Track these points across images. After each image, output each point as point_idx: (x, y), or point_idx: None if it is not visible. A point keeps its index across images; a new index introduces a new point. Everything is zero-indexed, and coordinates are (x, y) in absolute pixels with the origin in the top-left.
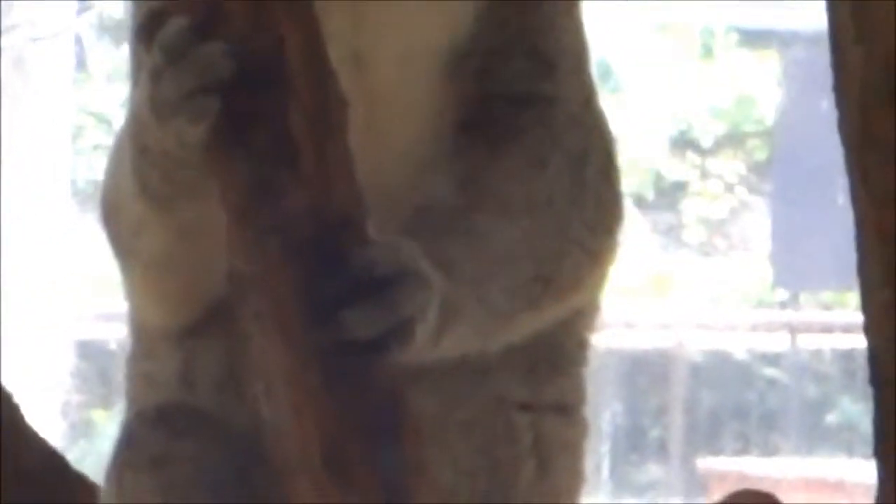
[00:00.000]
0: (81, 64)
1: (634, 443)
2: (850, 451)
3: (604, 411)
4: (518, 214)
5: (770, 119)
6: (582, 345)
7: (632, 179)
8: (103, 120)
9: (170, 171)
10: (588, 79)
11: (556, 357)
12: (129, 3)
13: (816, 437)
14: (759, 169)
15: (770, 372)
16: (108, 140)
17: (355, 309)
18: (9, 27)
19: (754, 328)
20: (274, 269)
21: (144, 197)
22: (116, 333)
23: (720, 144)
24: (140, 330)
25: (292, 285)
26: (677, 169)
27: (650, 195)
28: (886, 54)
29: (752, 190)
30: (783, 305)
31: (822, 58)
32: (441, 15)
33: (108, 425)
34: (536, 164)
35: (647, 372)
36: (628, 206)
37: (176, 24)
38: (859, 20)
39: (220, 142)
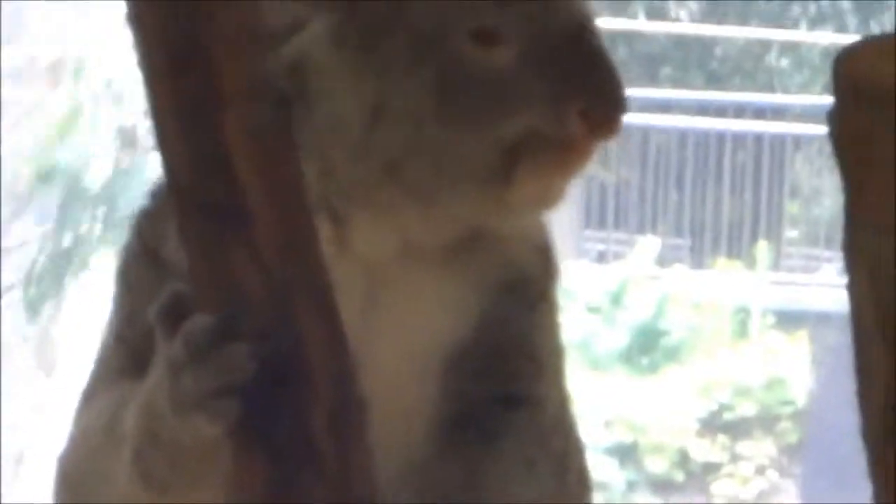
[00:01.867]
0: None
1: None
2: None
3: None
4: None
5: (802, 401)
6: None
7: (661, 461)
8: None
9: (179, 461)
10: (565, 382)
11: None
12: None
13: None
14: (790, 452)
15: None
16: None
17: None
18: None
19: None
20: None
21: (143, 482)
22: None
23: (751, 426)
24: None
25: None
26: (707, 450)
27: (679, 477)
28: None
29: (783, 473)
30: None
31: None
32: (447, 315)
33: None
34: (527, 466)
35: None
36: (659, 487)
37: (202, 322)
38: (883, 322)
39: (239, 437)
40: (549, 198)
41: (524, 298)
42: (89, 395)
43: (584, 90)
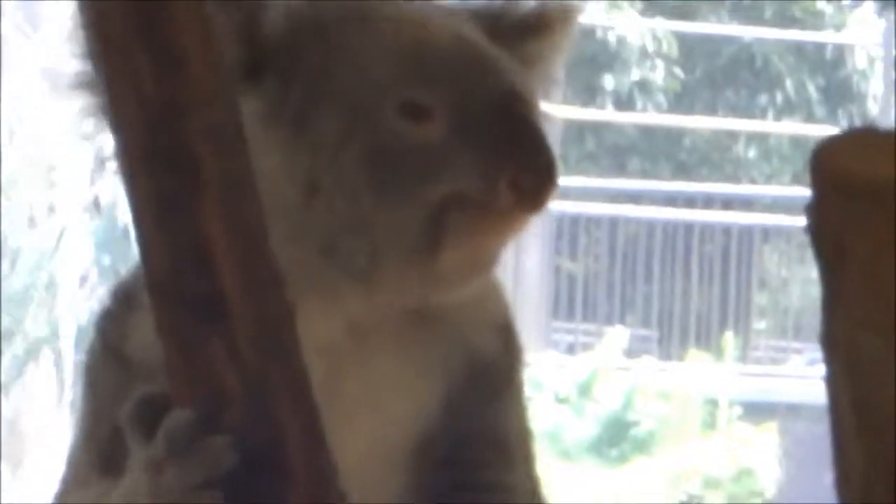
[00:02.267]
0: None
1: None
2: None
3: None
4: None
5: (771, 492)
6: None
7: None
8: None
9: None
10: (535, 466)
11: None
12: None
13: None
14: None
15: None
16: None
17: None
18: None
19: None
20: None
21: None
22: None
23: None
24: None
25: None
26: None
27: None
28: (889, 452)
29: None
30: None
31: (825, 432)
32: (409, 402)
33: None
34: None
35: None
36: None
37: (181, 419)
38: (861, 415)
39: None
40: (477, 264)
41: (488, 384)
42: (62, 496)
43: (513, 161)
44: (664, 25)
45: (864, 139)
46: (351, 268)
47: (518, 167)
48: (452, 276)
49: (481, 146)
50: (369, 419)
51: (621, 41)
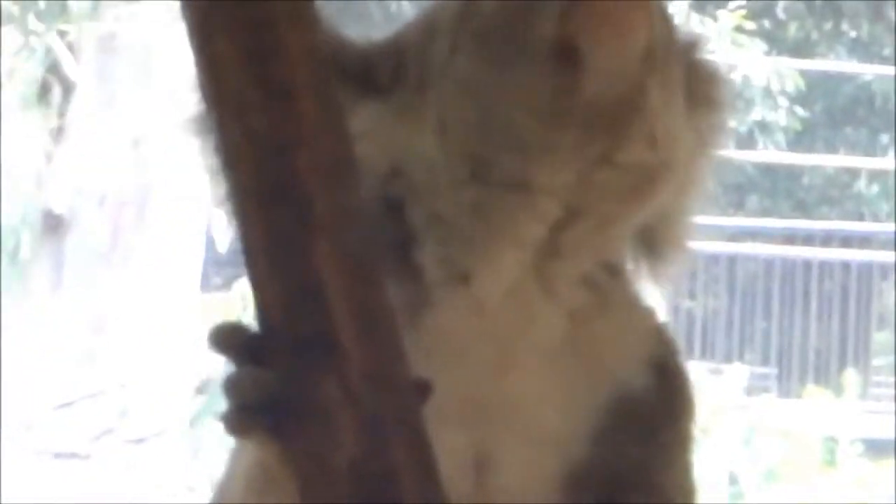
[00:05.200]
0: None
1: None
2: None
3: None
4: None
5: None
6: None
7: None
8: None
9: None
10: None
11: None
12: None
13: None
14: None
15: None
16: None
17: None
18: None
19: None
20: None
21: None
22: None
23: None
24: None
25: None
26: None
27: None
28: None
29: None
30: None
31: None
32: (558, 420)
33: None
34: None
35: None
36: None
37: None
38: None
39: None
40: (623, 42)
41: (639, 423)
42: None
43: None
44: (786, 63)
45: None
46: (510, 172)
47: None
48: (603, 73)
49: None
50: (521, 429)
51: (745, 81)
